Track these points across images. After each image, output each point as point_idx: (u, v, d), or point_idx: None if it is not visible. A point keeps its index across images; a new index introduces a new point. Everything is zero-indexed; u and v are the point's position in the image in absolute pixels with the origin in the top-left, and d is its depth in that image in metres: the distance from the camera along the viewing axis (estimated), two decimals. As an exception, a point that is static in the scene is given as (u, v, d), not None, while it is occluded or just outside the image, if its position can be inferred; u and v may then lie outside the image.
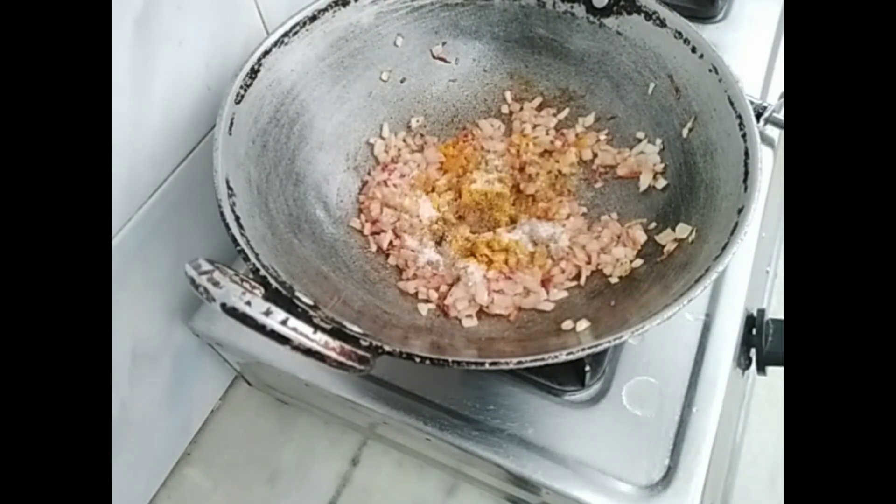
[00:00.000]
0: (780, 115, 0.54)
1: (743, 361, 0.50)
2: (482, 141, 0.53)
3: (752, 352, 0.49)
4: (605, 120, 0.52)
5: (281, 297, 0.35)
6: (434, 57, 0.53)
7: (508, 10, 0.52)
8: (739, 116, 0.42)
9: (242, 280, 0.33)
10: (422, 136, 0.54)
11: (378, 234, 0.49)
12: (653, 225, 0.46)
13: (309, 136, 0.48)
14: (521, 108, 0.54)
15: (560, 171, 0.51)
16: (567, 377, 0.45)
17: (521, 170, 0.52)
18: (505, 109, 0.54)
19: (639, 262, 0.45)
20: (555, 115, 0.53)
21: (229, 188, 0.39)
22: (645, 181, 0.48)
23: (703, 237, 0.42)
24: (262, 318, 0.30)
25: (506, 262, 0.47)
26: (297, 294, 0.36)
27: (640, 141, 0.50)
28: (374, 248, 0.48)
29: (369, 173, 0.51)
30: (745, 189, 0.39)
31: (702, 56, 0.45)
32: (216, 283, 0.31)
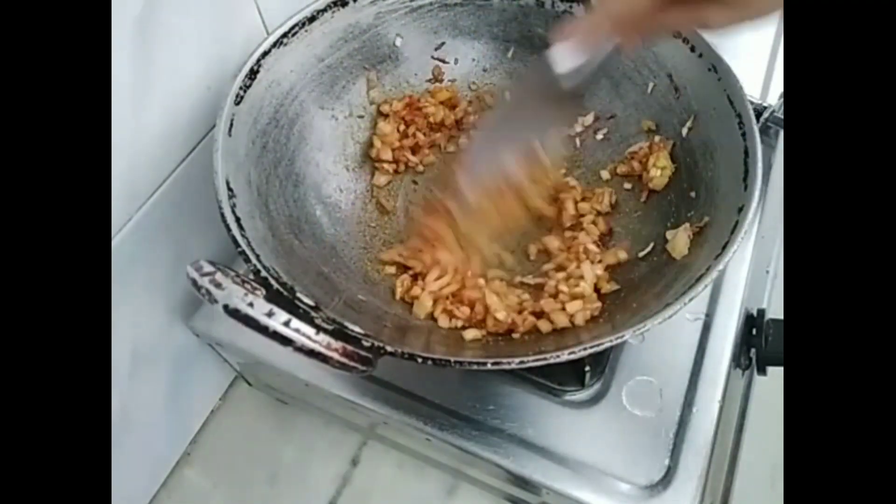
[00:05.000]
0: (780, 115, 0.54)
1: (743, 361, 0.50)
2: None
3: (752, 352, 0.49)
4: (605, 119, 0.52)
5: (282, 299, 0.35)
6: (434, 57, 0.53)
7: (507, 10, 0.52)
8: (739, 115, 0.42)
9: (244, 281, 0.33)
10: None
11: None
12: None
13: (308, 137, 0.48)
14: None
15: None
16: (567, 377, 0.45)
17: None
18: None
19: (640, 263, 0.45)
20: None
21: (229, 189, 0.39)
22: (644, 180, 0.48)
23: (703, 236, 0.42)
24: (264, 320, 0.30)
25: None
26: (299, 295, 0.36)
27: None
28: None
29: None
30: (745, 188, 0.39)
31: (701, 55, 0.45)
32: (218, 285, 0.31)
